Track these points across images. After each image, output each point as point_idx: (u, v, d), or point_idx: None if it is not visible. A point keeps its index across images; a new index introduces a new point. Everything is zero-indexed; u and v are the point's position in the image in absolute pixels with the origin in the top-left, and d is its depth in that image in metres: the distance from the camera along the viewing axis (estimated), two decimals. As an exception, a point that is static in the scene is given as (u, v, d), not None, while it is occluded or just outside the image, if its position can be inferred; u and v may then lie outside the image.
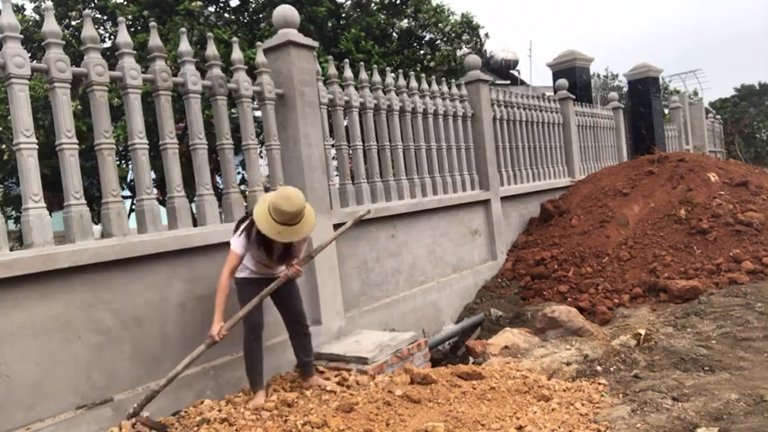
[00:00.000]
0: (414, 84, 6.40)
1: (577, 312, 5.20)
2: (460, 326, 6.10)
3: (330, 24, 8.91)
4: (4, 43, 3.21)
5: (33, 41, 7.74)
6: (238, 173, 6.90)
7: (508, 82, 17.70)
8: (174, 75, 4.11)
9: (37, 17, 8.39)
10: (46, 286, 3.17)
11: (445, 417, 3.23)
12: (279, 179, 4.68)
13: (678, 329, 4.90)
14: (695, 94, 24.09)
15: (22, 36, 3.31)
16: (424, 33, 9.88)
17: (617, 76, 25.85)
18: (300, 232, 3.48)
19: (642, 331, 4.76)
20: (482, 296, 6.80)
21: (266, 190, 4.72)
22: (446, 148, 6.82)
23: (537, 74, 31.77)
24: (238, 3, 9.06)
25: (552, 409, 3.47)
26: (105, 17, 8.49)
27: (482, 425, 3.17)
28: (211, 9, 8.90)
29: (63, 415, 3.16)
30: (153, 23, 4.10)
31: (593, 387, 3.92)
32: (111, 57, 4.88)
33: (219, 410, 3.53)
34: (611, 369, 4.31)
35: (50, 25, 3.41)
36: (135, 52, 3.87)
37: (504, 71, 18.49)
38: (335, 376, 4.12)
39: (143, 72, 3.91)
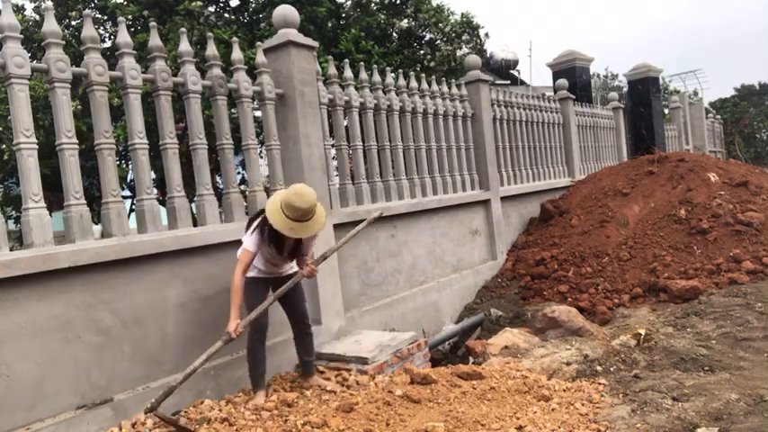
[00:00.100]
0: (414, 84, 6.40)
1: (577, 312, 5.20)
2: (460, 326, 6.10)
3: (330, 24, 8.92)
4: (4, 43, 3.21)
5: (33, 41, 7.74)
6: (238, 173, 6.90)
7: (508, 82, 17.70)
8: (174, 75, 4.11)
9: (37, 17, 8.39)
10: (46, 286, 3.17)
11: (445, 417, 3.23)
12: (279, 179, 4.68)
13: (678, 329, 4.90)
14: (695, 94, 24.09)
15: (22, 36, 3.31)
16: (424, 33, 9.88)
17: (617, 76, 25.87)
18: (311, 229, 3.50)
19: (642, 331, 4.76)
20: (482, 296, 6.80)
21: (266, 190, 4.72)
22: (446, 148, 6.82)
23: (537, 74, 31.83)
24: (238, 3, 9.06)
25: (552, 409, 3.47)
26: (105, 17, 8.49)
27: (482, 425, 3.17)
28: (211, 9, 8.90)
29: (63, 415, 3.16)
30: (153, 23, 4.10)
31: (593, 387, 3.92)
32: (111, 57, 4.88)
33: (220, 410, 3.53)
34: (611, 369, 4.31)
35: (50, 25, 3.41)
36: (135, 52, 3.87)
37: (504, 71, 18.49)
38: (335, 376, 4.12)
39: (143, 72, 3.91)
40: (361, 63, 5.88)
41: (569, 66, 12.00)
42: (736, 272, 5.83)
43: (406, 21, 9.62)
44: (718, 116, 23.36)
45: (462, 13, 10.09)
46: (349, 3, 9.62)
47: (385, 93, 5.95)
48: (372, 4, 9.49)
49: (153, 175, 7.02)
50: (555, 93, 9.88)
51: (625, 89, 16.80)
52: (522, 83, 18.85)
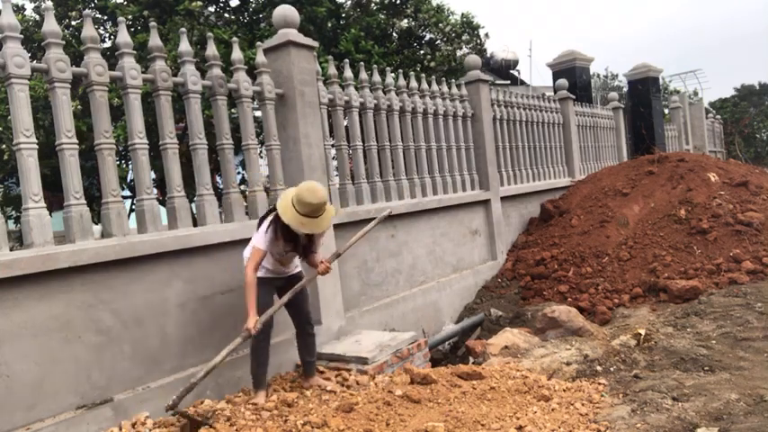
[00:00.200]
0: (414, 84, 6.40)
1: (577, 312, 5.20)
2: (460, 326, 6.10)
3: (330, 24, 8.92)
4: (4, 43, 3.21)
5: (33, 41, 7.74)
6: (238, 173, 6.90)
7: (508, 82, 17.71)
8: (174, 75, 4.11)
9: (37, 17, 8.39)
10: (46, 286, 3.16)
11: (445, 417, 3.23)
12: (279, 179, 4.68)
13: (678, 329, 4.89)
14: (695, 94, 24.09)
15: (22, 36, 3.31)
16: (424, 33, 9.89)
17: (617, 76, 25.87)
18: (322, 225, 3.54)
19: (642, 331, 4.76)
20: (482, 296, 6.80)
21: (266, 190, 4.72)
22: (446, 148, 6.82)
23: (537, 74, 31.83)
24: (238, 3, 9.06)
25: (552, 409, 3.47)
26: (105, 17, 8.49)
27: (482, 425, 3.17)
28: (211, 9, 8.90)
29: (63, 415, 3.16)
30: (153, 23, 4.10)
31: (593, 387, 3.92)
32: (111, 57, 4.88)
33: (220, 410, 3.53)
34: (611, 369, 4.30)
35: (50, 25, 3.41)
36: (135, 52, 3.87)
37: (504, 71, 18.50)
38: (335, 376, 4.12)
39: (143, 72, 3.91)
40: (361, 63, 5.88)
41: (569, 66, 12.00)
42: (736, 272, 5.83)
43: (406, 21, 9.62)
44: (718, 116, 23.36)
45: (462, 14, 10.10)
46: (349, 3, 9.62)
47: (385, 93, 5.95)
48: (372, 4, 9.49)
49: (153, 175, 7.02)
50: (555, 93, 9.88)
51: (625, 89, 16.80)
52: (522, 83, 18.86)
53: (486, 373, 3.96)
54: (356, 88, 5.59)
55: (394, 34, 9.63)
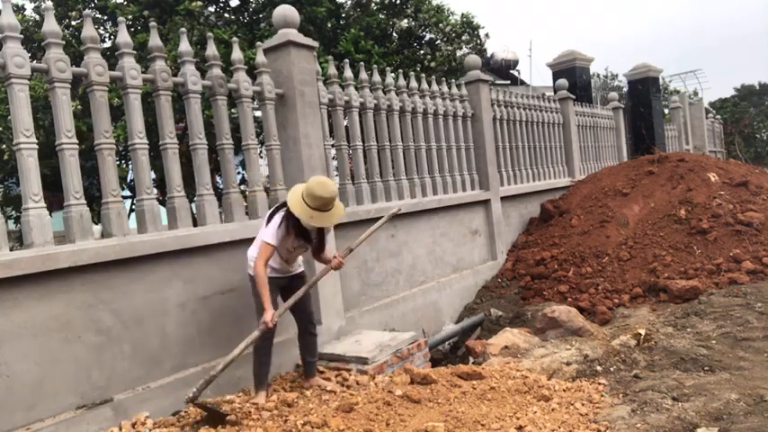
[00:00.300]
0: (414, 84, 6.40)
1: (577, 312, 5.20)
2: (460, 326, 6.10)
3: (330, 24, 8.92)
4: (4, 43, 3.21)
5: (33, 41, 7.74)
6: (238, 173, 6.90)
7: (508, 82, 17.71)
8: (174, 75, 4.11)
9: (37, 17, 8.39)
10: (46, 286, 3.16)
11: (445, 417, 3.23)
12: (279, 179, 4.68)
13: (678, 329, 4.89)
14: (695, 94, 24.09)
15: (22, 36, 3.31)
16: (424, 33, 9.88)
17: (617, 76, 25.87)
18: (331, 219, 3.58)
19: (642, 331, 4.76)
20: (482, 296, 6.80)
21: (266, 190, 4.72)
22: (446, 148, 6.82)
23: (537, 74, 31.83)
24: (238, 3, 9.06)
25: (552, 409, 3.47)
26: (105, 17, 8.49)
27: (482, 425, 3.17)
28: (211, 9, 8.90)
29: (63, 415, 3.16)
30: (153, 23, 4.10)
31: (593, 387, 3.92)
32: (111, 57, 4.88)
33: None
34: (611, 369, 4.30)
35: (50, 25, 3.41)
36: (135, 52, 3.87)
37: (504, 71, 18.50)
38: (335, 376, 4.12)
39: (143, 72, 3.91)
40: (361, 63, 5.88)
41: (569, 66, 12.00)
42: (736, 272, 5.83)
43: (406, 21, 9.62)
44: (718, 116, 23.37)
45: (462, 14, 10.10)
46: (349, 3, 9.62)
47: (385, 93, 5.95)
48: (372, 4, 9.49)
49: (153, 175, 7.02)
50: (555, 93, 9.88)
51: (625, 89, 16.80)
52: (522, 83, 18.86)
53: (486, 373, 3.96)
54: (356, 88, 5.59)
55: (394, 34, 9.63)
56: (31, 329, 3.11)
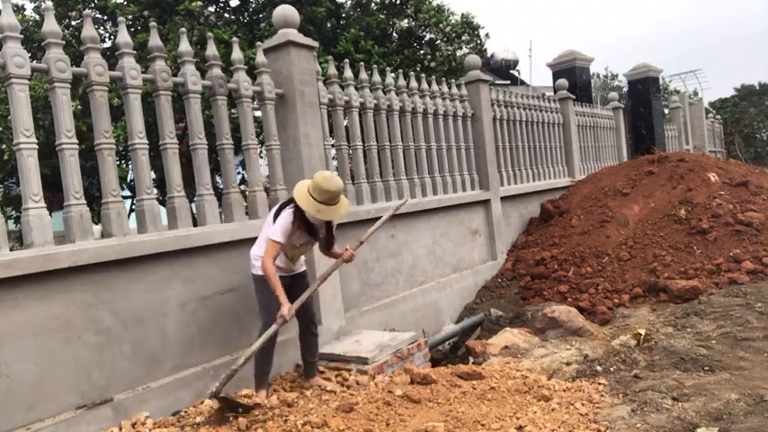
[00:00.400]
0: (414, 84, 6.40)
1: (577, 312, 5.20)
2: (460, 326, 6.10)
3: (330, 24, 8.92)
4: (4, 43, 3.21)
5: (33, 41, 7.74)
6: (238, 173, 6.90)
7: (508, 82, 17.71)
8: (174, 75, 4.11)
9: (37, 17, 8.39)
10: (46, 286, 3.17)
11: (445, 417, 3.23)
12: (279, 179, 4.68)
13: (678, 329, 4.90)
14: (695, 94, 24.10)
15: (22, 36, 3.31)
16: (424, 33, 9.88)
17: (617, 76, 25.88)
18: (339, 212, 3.63)
19: (642, 331, 4.76)
20: (482, 296, 6.80)
21: (266, 190, 4.73)
22: (446, 148, 6.82)
23: (537, 74, 31.84)
24: (238, 3, 9.06)
25: (552, 409, 3.47)
26: (105, 17, 8.49)
27: (482, 425, 3.17)
28: (211, 9, 8.90)
29: (63, 415, 3.16)
30: (153, 23, 4.10)
31: (593, 387, 3.92)
32: (111, 57, 4.88)
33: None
34: (611, 369, 4.30)
35: (50, 25, 3.41)
36: (135, 52, 3.87)
37: (504, 71, 18.50)
38: (335, 376, 4.12)
39: (143, 72, 3.91)
40: (361, 63, 5.88)
41: (569, 66, 12.00)
42: (736, 272, 5.83)
43: (406, 21, 9.62)
44: (718, 116, 23.37)
45: (462, 14, 10.10)
46: (349, 3, 9.62)
47: (385, 93, 5.95)
48: (372, 4, 9.49)
49: (153, 175, 7.02)
50: (555, 93, 9.88)
51: (625, 89, 16.80)
52: (522, 83, 18.86)
53: (486, 373, 3.96)
54: (356, 88, 5.59)
55: (394, 34, 9.63)
56: (31, 329, 3.11)
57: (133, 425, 3.30)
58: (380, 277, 5.58)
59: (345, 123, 5.54)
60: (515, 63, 19.15)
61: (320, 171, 3.75)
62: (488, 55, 17.83)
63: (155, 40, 3.99)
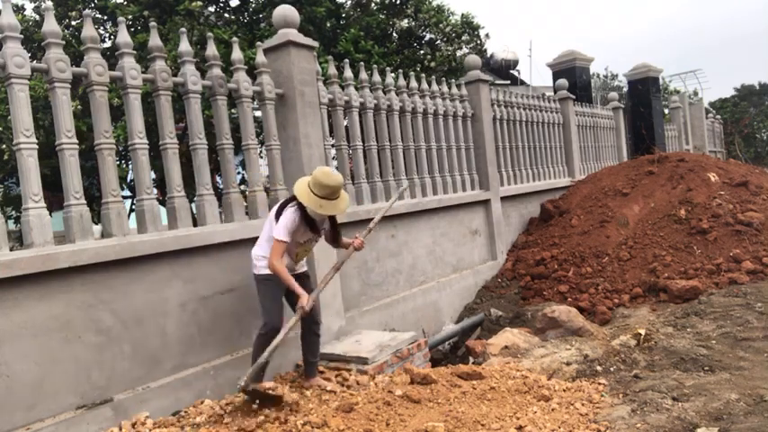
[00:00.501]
0: (414, 84, 6.40)
1: (577, 312, 5.20)
2: (460, 326, 6.10)
3: (329, 24, 8.92)
4: (4, 43, 3.21)
5: (33, 41, 7.74)
6: (238, 173, 6.90)
7: (508, 82, 17.71)
8: (174, 75, 4.11)
9: (37, 17, 8.39)
10: (46, 286, 3.16)
11: (445, 417, 3.23)
12: (279, 179, 4.68)
13: (678, 329, 4.90)
14: (695, 94, 24.10)
15: (22, 36, 3.31)
16: (424, 33, 9.89)
17: (617, 76, 25.88)
18: (340, 206, 3.64)
19: (642, 331, 4.76)
20: (482, 296, 6.80)
21: (266, 190, 4.73)
22: (446, 148, 6.82)
23: (537, 74, 31.86)
24: (238, 3, 9.06)
25: (552, 409, 3.47)
26: (105, 17, 8.49)
27: (482, 425, 3.17)
28: (211, 9, 8.90)
29: (63, 415, 3.16)
30: (153, 23, 4.10)
31: (593, 387, 3.92)
32: (111, 57, 4.88)
33: (221, 410, 3.53)
34: (611, 369, 4.31)
35: (50, 25, 3.41)
36: (135, 52, 3.87)
37: (504, 71, 18.50)
38: (335, 376, 4.12)
39: (143, 72, 3.91)
40: (361, 63, 5.88)
41: (569, 66, 12.00)
42: (736, 272, 5.83)
43: (406, 21, 9.62)
44: (718, 116, 23.36)
45: (462, 14, 10.10)
46: (349, 3, 9.62)
47: (385, 93, 5.95)
48: (372, 4, 9.49)
49: (153, 175, 7.02)
50: (555, 93, 9.88)
51: (625, 89, 16.80)
52: (522, 83, 18.86)
53: (486, 373, 3.96)
54: (356, 88, 5.59)
55: (394, 34, 9.63)
56: (31, 329, 3.11)
57: (133, 425, 3.30)
58: (380, 277, 5.58)
59: (345, 123, 5.54)
60: (515, 63, 19.16)
61: (320, 167, 3.76)
62: (488, 55, 17.83)
63: (155, 40, 3.99)
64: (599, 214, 7.49)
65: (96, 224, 6.51)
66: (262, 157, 6.47)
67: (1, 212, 8.56)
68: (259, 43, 4.76)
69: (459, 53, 9.82)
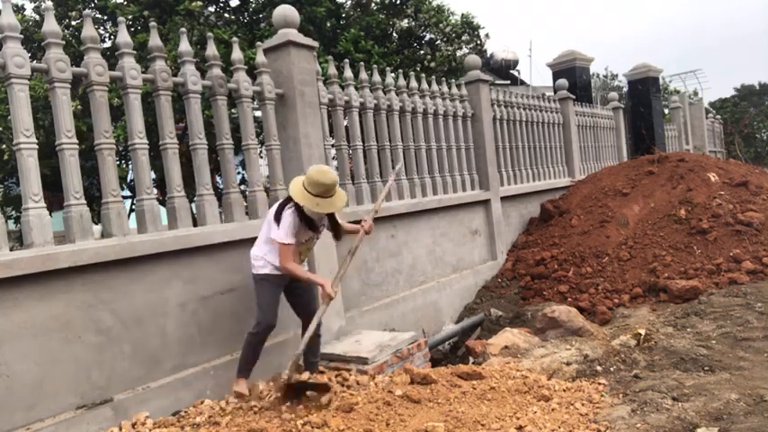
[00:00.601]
0: (414, 84, 6.40)
1: (577, 312, 5.20)
2: (460, 326, 6.10)
3: (329, 24, 8.92)
4: (4, 43, 3.21)
5: (33, 41, 7.74)
6: (238, 173, 6.90)
7: (508, 82, 17.71)
8: (174, 75, 4.11)
9: (37, 17, 8.39)
10: (46, 286, 3.16)
11: (445, 417, 3.23)
12: (279, 179, 4.68)
13: (678, 329, 4.89)
14: (695, 94, 24.09)
15: (22, 36, 3.31)
16: (424, 33, 9.88)
17: (617, 76, 25.87)
18: (336, 203, 3.64)
19: (642, 331, 4.76)
20: (482, 296, 6.80)
21: (266, 190, 4.73)
22: (446, 148, 6.82)
23: (537, 74, 31.84)
24: (238, 3, 9.06)
25: (552, 409, 3.47)
26: (105, 17, 8.49)
27: (482, 425, 3.17)
28: (211, 9, 8.90)
29: (63, 415, 3.16)
30: (153, 23, 4.10)
31: (593, 387, 3.92)
32: (111, 57, 4.88)
33: (220, 410, 3.53)
34: (611, 369, 4.30)
35: (50, 25, 3.41)
36: (135, 52, 3.87)
37: (504, 71, 18.50)
38: (335, 376, 4.12)
39: (143, 72, 3.91)
40: (361, 63, 5.88)
41: (569, 66, 12.00)
42: (736, 272, 5.83)
43: (406, 21, 9.62)
44: (718, 116, 23.36)
45: (462, 14, 10.09)
46: (349, 3, 9.62)
47: (385, 93, 5.95)
48: (372, 4, 9.49)
49: (153, 175, 7.02)
50: (555, 93, 9.88)
51: (625, 89, 16.80)
52: (522, 83, 18.86)
53: (486, 373, 3.96)
54: (356, 88, 5.59)
55: (394, 34, 9.63)
56: (31, 329, 3.11)
57: (133, 425, 3.30)
58: (380, 277, 5.58)
59: (345, 123, 5.54)
60: (515, 63, 19.15)
61: (313, 165, 3.75)
62: (488, 55, 17.83)
63: (155, 40, 3.99)
64: (599, 214, 7.49)
65: (96, 224, 6.51)
66: (262, 157, 6.47)
67: (1, 212, 8.56)
68: (259, 43, 4.76)
69: (459, 53, 9.82)
